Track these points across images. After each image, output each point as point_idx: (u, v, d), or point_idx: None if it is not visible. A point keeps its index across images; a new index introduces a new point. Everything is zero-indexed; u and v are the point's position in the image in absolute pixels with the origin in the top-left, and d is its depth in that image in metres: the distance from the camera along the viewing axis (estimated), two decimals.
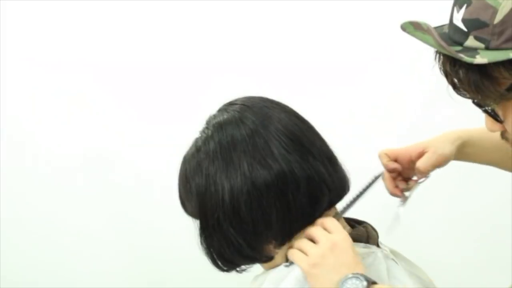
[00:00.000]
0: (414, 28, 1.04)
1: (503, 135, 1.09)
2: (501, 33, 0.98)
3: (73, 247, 2.46)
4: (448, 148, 1.35)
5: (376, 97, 2.22)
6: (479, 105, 1.07)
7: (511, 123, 1.05)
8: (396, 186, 1.33)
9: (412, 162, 1.33)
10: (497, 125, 1.08)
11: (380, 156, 1.31)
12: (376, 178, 1.23)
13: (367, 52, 2.20)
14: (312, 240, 1.09)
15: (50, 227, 2.45)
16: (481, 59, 0.97)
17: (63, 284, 2.45)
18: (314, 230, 1.10)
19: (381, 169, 1.31)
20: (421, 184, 1.33)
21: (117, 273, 2.44)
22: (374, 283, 1.03)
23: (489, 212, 2.15)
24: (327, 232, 1.09)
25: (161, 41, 2.33)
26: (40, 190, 2.45)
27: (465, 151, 1.38)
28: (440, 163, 1.33)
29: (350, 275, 1.03)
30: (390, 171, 1.31)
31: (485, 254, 2.14)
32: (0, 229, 2.46)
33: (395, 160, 1.33)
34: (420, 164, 1.31)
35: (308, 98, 2.13)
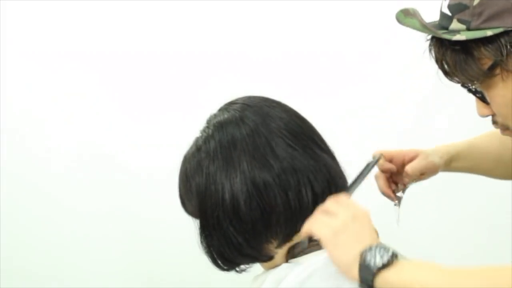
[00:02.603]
0: (404, 15, 1.12)
1: (494, 120, 1.14)
2: (480, 14, 1.05)
3: (72, 247, 2.46)
4: (437, 159, 1.38)
5: (375, 97, 2.22)
6: (468, 89, 1.12)
7: (496, 103, 1.10)
8: (389, 187, 1.34)
9: (404, 166, 1.36)
10: (486, 109, 1.13)
11: (375, 157, 1.32)
12: (372, 165, 1.21)
13: (367, 52, 2.20)
14: None
15: (49, 227, 2.45)
16: (460, 36, 1.04)
17: (63, 283, 2.45)
18: (330, 204, 1.05)
19: (376, 156, 1.32)
20: (410, 188, 1.35)
21: (116, 273, 2.44)
22: (397, 255, 0.98)
23: (489, 212, 2.15)
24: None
25: (162, 41, 2.34)
26: (40, 190, 2.45)
27: (452, 165, 1.42)
28: (428, 170, 1.36)
29: (375, 245, 0.98)
30: (385, 171, 1.33)
31: (485, 254, 2.14)
32: (0, 229, 2.46)
33: (390, 161, 1.36)
34: (409, 167, 1.34)
35: (308, 98, 2.13)
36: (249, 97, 1.19)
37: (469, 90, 1.12)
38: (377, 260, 0.95)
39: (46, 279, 2.46)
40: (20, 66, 2.40)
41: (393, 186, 1.36)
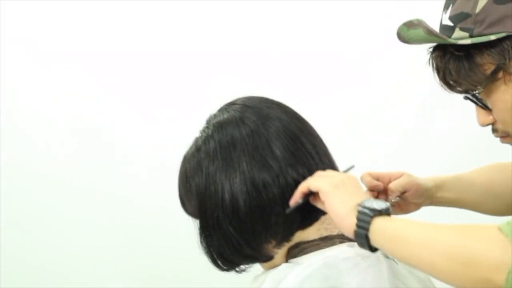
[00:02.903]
0: (407, 28, 1.13)
1: (494, 128, 1.16)
2: (482, 21, 1.08)
3: (73, 245, 2.46)
4: (421, 180, 1.40)
5: (375, 98, 2.22)
6: (469, 98, 1.15)
7: (497, 109, 1.13)
8: None
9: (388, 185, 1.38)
10: (487, 117, 1.15)
11: (362, 177, 1.34)
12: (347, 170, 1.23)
13: (367, 52, 2.20)
14: None
15: (49, 226, 2.46)
16: (465, 41, 1.08)
17: (63, 283, 2.45)
18: (324, 171, 1.12)
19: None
20: None
21: (116, 272, 2.44)
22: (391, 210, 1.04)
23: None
24: None
25: (162, 41, 2.34)
26: (40, 189, 2.45)
27: (438, 195, 1.43)
28: (411, 188, 1.37)
29: (372, 198, 1.05)
30: (371, 188, 1.35)
31: None
32: (0, 228, 2.46)
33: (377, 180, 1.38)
34: (392, 184, 1.36)
35: (307, 99, 2.13)
36: (249, 98, 1.19)
37: (471, 99, 1.15)
38: (375, 205, 1.02)
39: (46, 278, 2.46)
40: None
41: None
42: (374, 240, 1.01)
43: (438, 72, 1.14)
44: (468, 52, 1.09)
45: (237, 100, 1.20)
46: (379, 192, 1.36)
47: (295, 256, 1.14)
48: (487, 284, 0.91)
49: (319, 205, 1.09)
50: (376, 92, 2.22)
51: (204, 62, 2.31)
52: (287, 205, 1.10)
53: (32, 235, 2.46)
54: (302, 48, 2.24)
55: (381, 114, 2.22)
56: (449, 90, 1.15)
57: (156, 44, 2.34)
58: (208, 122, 1.18)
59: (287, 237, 1.13)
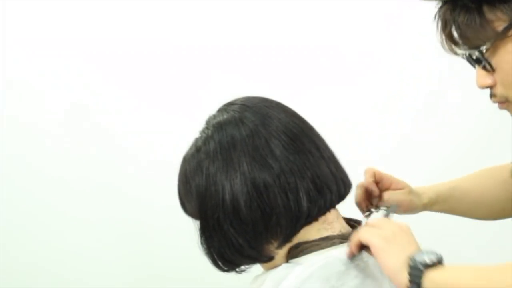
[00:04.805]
0: None
1: (493, 93, 1.14)
2: None
3: (72, 245, 2.46)
4: (416, 200, 1.40)
5: (375, 98, 2.22)
6: (471, 58, 1.12)
7: (501, 70, 1.11)
8: (364, 200, 1.36)
9: (386, 191, 1.38)
10: (487, 79, 1.13)
11: (366, 171, 1.34)
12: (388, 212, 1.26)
13: (367, 53, 2.20)
14: None
15: (48, 225, 2.46)
16: None
17: (63, 282, 2.45)
18: (375, 220, 1.12)
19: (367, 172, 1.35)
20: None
21: (116, 272, 2.44)
22: (443, 259, 1.04)
23: None
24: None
25: (161, 41, 2.34)
26: (40, 189, 2.45)
27: (433, 208, 1.44)
28: (404, 206, 1.38)
29: (423, 249, 1.04)
30: (368, 187, 1.34)
31: (484, 253, 2.14)
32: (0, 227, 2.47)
33: (378, 182, 1.37)
34: (387, 193, 1.36)
35: (307, 99, 2.13)
36: (248, 98, 1.19)
37: (473, 59, 1.13)
38: (426, 259, 1.01)
39: (46, 278, 2.46)
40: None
41: (367, 203, 1.37)
42: None
43: (444, 28, 1.13)
44: (480, 5, 1.08)
45: (236, 100, 1.19)
46: (373, 194, 1.36)
47: (295, 256, 1.13)
48: None
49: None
50: (376, 92, 2.22)
51: (203, 62, 2.31)
52: (287, 206, 1.10)
53: (31, 234, 2.47)
54: (301, 49, 2.24)
55: (381, 115, 2.22)
56: (451, 48, 1.13)
57: (155, 44, 2.34)
58: (207, 122, 1.17)
59: (288, 237, 1.12)
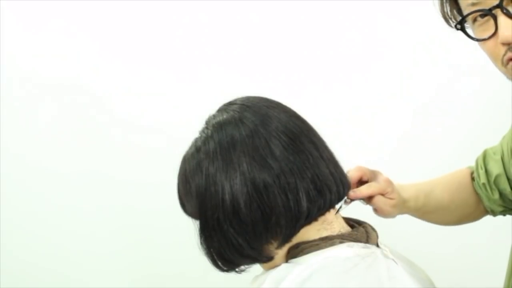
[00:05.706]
0: None
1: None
2: None
3: (72, 245, 2.46)
4: (394, 211, 1.36)
5: (375, 98, 2.22)
6: (498, 7, 1.06)
7: None
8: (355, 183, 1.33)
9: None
10: None
11: (353, 169, 1.31)
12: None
13: (367, 53, 2.20)
14: None
15: (48, 225, 2.46)
16: None
17: (63, 282, 2.45)
18: None
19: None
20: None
21: (115, 272, 2.45)
22: None
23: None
24: None
25: (161, 40, 2.34)
26: (40, 190, 2.45)
27: (403, 211, 1.41)
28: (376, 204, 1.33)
29: None
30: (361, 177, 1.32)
31: (484, 253, 2.14)
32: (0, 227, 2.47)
33: (360, 178, 1.33)
34: (360, 188, 1.30)
35: (307, 98, 2.13)
36: (248, 98, 1.19)
37: (501, 8, 1.07)
38: None
39: (46, 277, 2.46)
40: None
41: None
42: None
43: None
44: None
45: (236, 100, 1.19)
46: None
47: (295, 256, 1.14)
48: None
49: None
50: (376, 92, 2.22)
51: (203, 62, 2.31)
52: (287, 206, 1.10)
53: (30, 232, 2.47)
54: (302, 48, 2.24)
55: (380, 115, 2.22)
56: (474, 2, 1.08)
57: (155, 44, 2.34)
58: (207, 122, 1.17)
59: (288, 237, 1.13)
